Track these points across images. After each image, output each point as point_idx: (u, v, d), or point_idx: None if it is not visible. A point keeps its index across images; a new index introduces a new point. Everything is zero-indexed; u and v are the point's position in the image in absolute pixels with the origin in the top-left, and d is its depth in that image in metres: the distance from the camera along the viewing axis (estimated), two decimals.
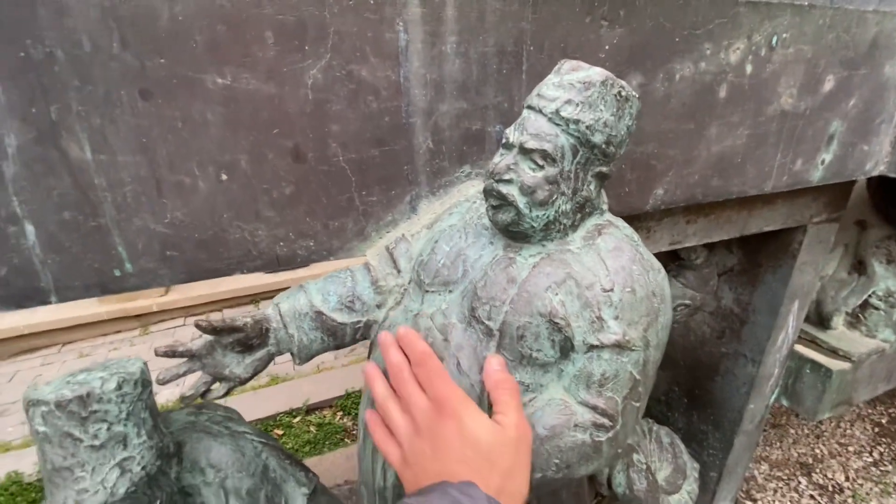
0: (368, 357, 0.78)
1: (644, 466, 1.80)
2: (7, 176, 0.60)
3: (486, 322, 0.63)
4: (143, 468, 0.67)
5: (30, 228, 0.62)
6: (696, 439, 2.13)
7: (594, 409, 0.61)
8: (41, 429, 0.61)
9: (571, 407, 0.60)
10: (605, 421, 0.60)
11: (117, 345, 3.59)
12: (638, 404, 0.64)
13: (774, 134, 1.12)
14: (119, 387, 0.65)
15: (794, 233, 1.58)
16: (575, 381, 0.61)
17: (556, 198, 0.61)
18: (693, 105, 0.98)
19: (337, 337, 0.75)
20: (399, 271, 0.75)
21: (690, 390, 2.13)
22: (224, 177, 0.69)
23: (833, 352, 1.83)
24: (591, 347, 0.60)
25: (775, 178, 1.19)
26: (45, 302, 0.67)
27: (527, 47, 0.80)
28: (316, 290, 0.75)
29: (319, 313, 0.73)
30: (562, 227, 0.65)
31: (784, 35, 1.01)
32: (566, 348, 0.61)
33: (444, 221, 0.75)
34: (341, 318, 0.73)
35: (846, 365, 1.77)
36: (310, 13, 0.66)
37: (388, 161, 0.78)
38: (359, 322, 0.75)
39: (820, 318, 1.89)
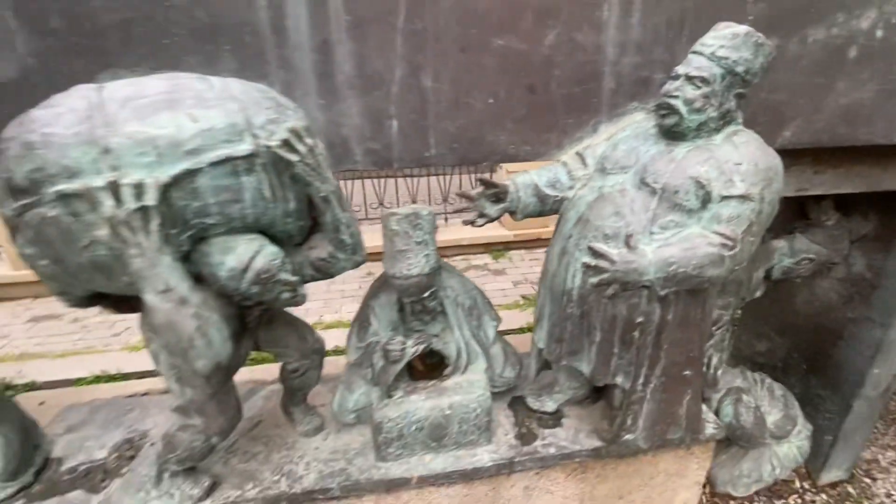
0: (556, 227, 1.22)
1: (753, 405, 1.99)
2: (425, 91, 1.13)
3: (653, 185, 1.02)
4: (433, 263, 1.20)
5: (395, 123, 1.17)
6: (812, 403, 2.20)
7: (722, 234, 0.97)
8: (394, 227, 1.16)
9: (706, 233, 0.98)
10: (729, 242, 0.96)
11: None
12: (752, 239, 0.99)
13: None
14: (429, 213, 1.18)
15: None
16: (709, 221, 0.98)
17: (707, 108, 0.99)
18: (823, 63, 1.24)
19: (543, 203, 1.22)
20: (586, 166, 1.18)
21: (810, 356, 2.21)
22: (490, 101, 1.18)
23: None
24: (723, 198, 0.96)
25: None
26: (390, 166, 1.21)
27: (689, 20, 1.16)
28: (535, 173, 1.24)
29: (536, 186, 1.21)
30: (709, 129, 1.02)
31: None
32: (706, 200, 0.98)
33: (620, 134, 1.16)
34: (548, 191, 1.20)
35: None
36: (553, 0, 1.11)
37: (584, 96, 1.21)
38: (557, 196, 1.20)
39: None
